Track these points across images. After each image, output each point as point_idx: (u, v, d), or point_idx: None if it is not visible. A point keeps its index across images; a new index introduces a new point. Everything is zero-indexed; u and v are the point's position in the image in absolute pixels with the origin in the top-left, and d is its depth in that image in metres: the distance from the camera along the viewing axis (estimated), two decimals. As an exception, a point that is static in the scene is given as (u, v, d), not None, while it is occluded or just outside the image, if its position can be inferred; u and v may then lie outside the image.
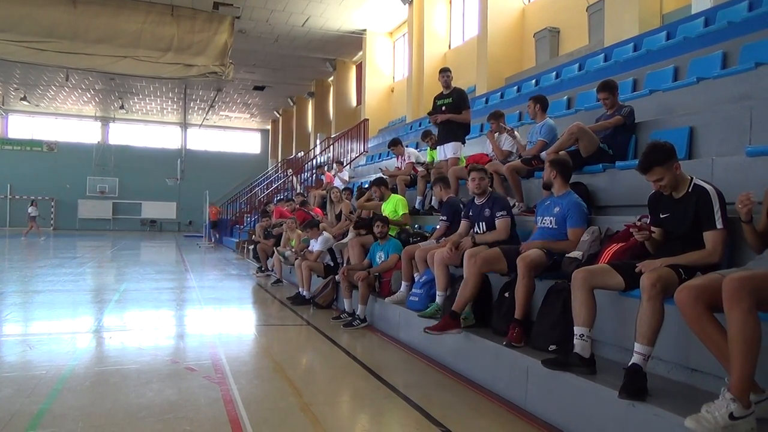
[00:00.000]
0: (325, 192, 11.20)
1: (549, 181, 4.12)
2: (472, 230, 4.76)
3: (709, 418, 2.17)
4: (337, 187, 8.88)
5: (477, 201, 4.73)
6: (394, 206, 6.78)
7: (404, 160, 8.71)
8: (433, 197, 7.28)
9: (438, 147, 7.21)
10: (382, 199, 7.06)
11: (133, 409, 3.20)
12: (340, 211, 8.43)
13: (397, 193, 7.84)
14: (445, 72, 7.02)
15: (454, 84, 7.06)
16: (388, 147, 9.32)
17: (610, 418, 2.71)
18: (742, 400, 2.18)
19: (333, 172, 13.03)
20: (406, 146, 9.28)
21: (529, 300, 3.73)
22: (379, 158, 14.02)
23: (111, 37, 15.38)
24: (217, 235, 21.29)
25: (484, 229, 4.61)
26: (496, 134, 6.39)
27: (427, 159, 8.30)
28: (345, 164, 13.90)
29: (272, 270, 9.83)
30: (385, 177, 7.98)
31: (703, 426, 2.16)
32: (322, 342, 5.25)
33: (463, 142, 6.97)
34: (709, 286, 2.38)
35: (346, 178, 12.36)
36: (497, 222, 4.50)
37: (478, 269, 4.00)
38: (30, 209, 23.11)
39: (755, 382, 2.32)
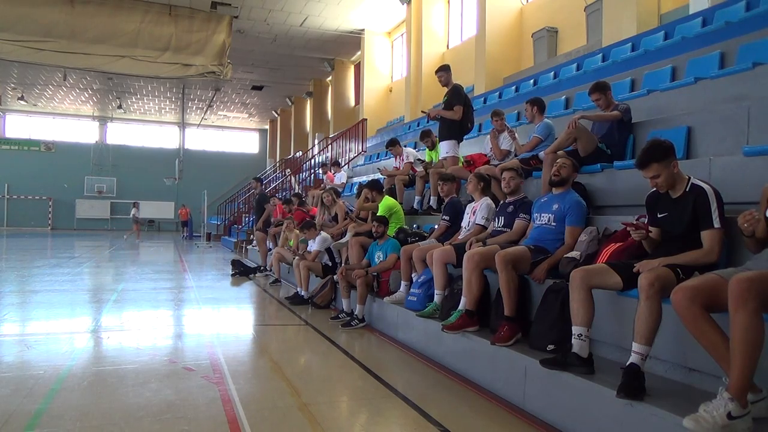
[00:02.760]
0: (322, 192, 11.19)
1: (568, 177, 4.05)
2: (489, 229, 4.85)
3: (708, 417, 2.17)
4: (329, 191, 8.79)
5: (507, 200, 4.76)
6: (383, 211, 6.77)
7: (402, 160, 8.72)
8: (431, 197, 7.29)
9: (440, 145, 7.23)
10: (374, 201, 7.05)
11: (131, 409, 3.20)
12: (335, 214, 8.40)
13: (395, 194, 7.85)
14: (437, 73, 7.02)
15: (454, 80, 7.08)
16: (386, 148, 9.33)
17: (608, 418, 2.71)
18: (741, 400, 2.19)
19: (334, 171, 13.00)
20: (404, 146, 9.28)
21: (513, 294, 3.72)
22: (378, 158, 14.01)
23: (109, 36, 15.35)
24: (186, 234, 25.22)
25: (503, 224, 4.63)
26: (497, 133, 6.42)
27: (425, 159, 8.30)
28: (342, 165, 13.85)
29: (270, 269, 9.82)
30: (378, 179, 7.97)
31: (701, 426, 2.16)
32: (320, 342, 5.25)
33: (459, 140, 6.97)
34: (705, 286, 2.38)
35: (344, 180, 12.29)
36: (516, 222, 4.52)
37: (476, 265, 4.00)
38: (132, 211, 23.68)
39: (752, 381, 2.32)
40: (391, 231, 6.38)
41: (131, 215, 23.97)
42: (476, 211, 5.11)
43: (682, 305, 2.38)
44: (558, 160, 4.13)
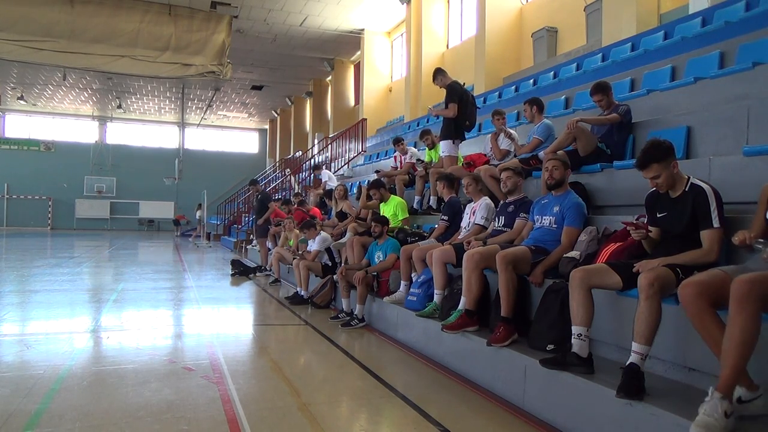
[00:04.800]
0: (323, 191, 11.20)
1: (562, 178, 4.05)
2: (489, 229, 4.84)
3: (713, 422, 2.18)
4: (343, 185, 8.95)
5: (508, 199, 4.75)
6: (394, 210, 6.79)
7: (404, 159, 8.72)
8: (431, 197, 7.29)
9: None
10: (382, 200, 7.08)
11: (130, 409, 3.20)
12: (341, 210, 8.43)
13: (396, 193, 7.86)
14: (434, 81, 7.04)
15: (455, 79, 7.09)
16: (393, 144, 9.40)
17: (607, 418, 2.71)
18: (729, 397, 2.24)
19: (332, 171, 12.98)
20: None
21: (512, 295, 3.71)
22: (377, 158, 14.01)
23: (108, 36, 15.35)
24: (179, 233, 26.99)
25: (503, 223, 4.63)
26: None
27: (425, 159, 8.30)
28: (322, 167, 13.72)
29: (270, 269, 9.82)
30: (381, 178, 8.00)
31: (710, 431, 2.17)
32: (320, 341, 5.25)
33: (455, 138, 6.94)
34: (713, 282, 2.38)
35: (333, 183, 12.10)
36: (516, 221, 4.51)
37: (476, 264, 4.00)
38: (197, 213, 23.69)
39: (750, 379, 2.33)
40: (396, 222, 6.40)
41: (197, 217, 23.88)
42: (476, 212, 5.11)
43: (689, 301, 2.38)
44: (547, 164, 4.11)
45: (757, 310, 2.17)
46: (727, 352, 2.21)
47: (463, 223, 5.28)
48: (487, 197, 5.23)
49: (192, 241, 21.63)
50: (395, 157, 9.24)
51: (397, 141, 8.97)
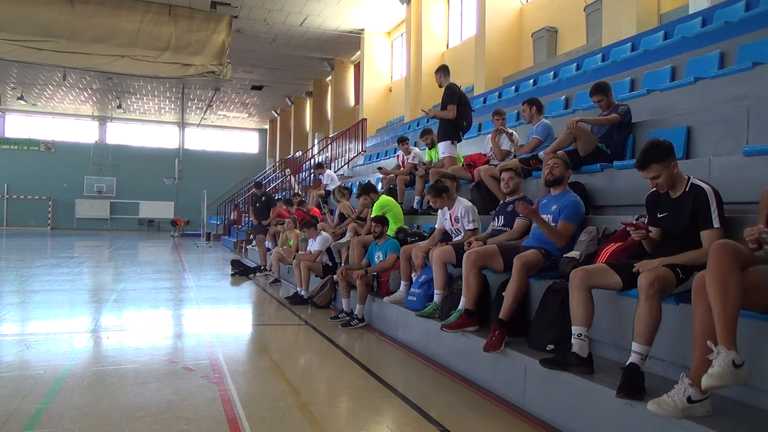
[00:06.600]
0: (323, 192, 11.21)
1: (561, 176, 4.04)
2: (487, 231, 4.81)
3: (669, 401, 2.34)
4: (344, 186, 8.97)
5: (507, 199, 4.75)
6: (376, 209, 6.75)
7: (407, 159, 8.71)
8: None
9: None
10: (374, 203, 7.05)
11: (130, 409, 3.20)
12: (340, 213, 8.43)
13: (396, 193, 7.86)
14: (435, 73, 7.02)
15: (453, 81, 7.09)
16: (397, 143, 9.37)
17: (607, 417, 2.71)
18: (699, 386, 2.29)
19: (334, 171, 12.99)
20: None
21: (518, 301, 3.68)
22: (377, 158, 14.01)
23: (108, 36, 15.36)
24: (175, 233, 28.17)
25: (503, 223, 4.63)
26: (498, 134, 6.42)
27: (425, 159, 8.30)
28: (327, 169, 13.69)
29: (270, 269, 9.82)
30: (369, 181, 7.99)
31: (662, 408, 2.33)
32: (320, 342, 5.25)
33: (454, 139, 6.93)
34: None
35: (333, 185, 11.93)
36: (516, 220, 4.50)
37: (473, 263, 4.00)
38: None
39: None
40: (391, 231, 6.37)
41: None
42: (458, 218, 5.06)
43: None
44: (549, 161, 4.13)
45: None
46: (696, 339, 2.38)
47: (446, 227, 5.22)
48: (461, 199, 5.15)
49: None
50: (398, 156, 9.23)
51: (402, 140, 8.92)
